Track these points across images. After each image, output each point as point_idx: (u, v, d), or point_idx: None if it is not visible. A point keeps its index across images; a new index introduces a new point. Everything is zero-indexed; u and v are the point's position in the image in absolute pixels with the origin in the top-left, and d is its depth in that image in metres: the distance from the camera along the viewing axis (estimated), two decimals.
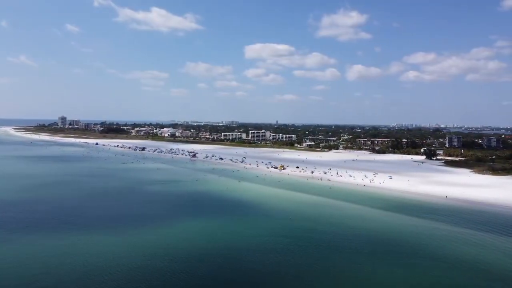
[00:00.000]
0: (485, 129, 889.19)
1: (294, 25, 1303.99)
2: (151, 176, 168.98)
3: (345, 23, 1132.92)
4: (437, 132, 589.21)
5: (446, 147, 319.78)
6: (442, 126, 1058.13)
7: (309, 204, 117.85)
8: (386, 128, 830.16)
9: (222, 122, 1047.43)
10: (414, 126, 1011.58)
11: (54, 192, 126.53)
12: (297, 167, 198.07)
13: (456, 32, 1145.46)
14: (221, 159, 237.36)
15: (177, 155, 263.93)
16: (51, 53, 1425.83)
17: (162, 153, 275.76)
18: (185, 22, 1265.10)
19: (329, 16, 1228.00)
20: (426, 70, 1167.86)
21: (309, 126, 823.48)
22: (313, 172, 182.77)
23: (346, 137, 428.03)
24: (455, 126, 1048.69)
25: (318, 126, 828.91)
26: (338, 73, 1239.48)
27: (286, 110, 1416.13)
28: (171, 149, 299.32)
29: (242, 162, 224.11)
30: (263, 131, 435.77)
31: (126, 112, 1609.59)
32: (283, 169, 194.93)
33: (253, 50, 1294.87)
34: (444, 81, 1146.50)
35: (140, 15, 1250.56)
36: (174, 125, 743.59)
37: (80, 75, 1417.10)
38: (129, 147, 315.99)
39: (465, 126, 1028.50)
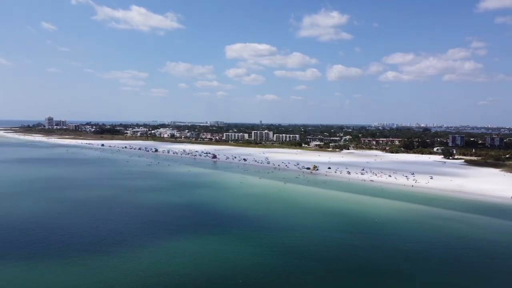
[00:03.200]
0: (466, 128, 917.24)
1: (275, 25, 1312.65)
2: (191, 179, 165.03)
3: (326, 23, 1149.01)
4: (427, 132, 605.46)
5: (450, 146, 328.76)
6: (422, 125, 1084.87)
7: (376, 205, 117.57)
8: (374, 128, 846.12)
9: (206, 122, 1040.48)
10: (395, 125, 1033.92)
11: (121, 199, 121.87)
12: (329, 168, 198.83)
13: (434, 33, 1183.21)
14: (245, 160, 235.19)
15: (194, 156, 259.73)
16: (26, 52, 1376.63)
17: (178, 155, 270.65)
18: (166, 21, 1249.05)
19: (310, 16, 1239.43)
20: (404, 70, 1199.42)
21: (295, 126, 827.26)
22: (349, 173, 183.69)
23: (346, 137, 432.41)
24: (435, 125, 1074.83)
25: (305, 126, 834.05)
26: (319, 73, 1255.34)
27: (267, 110, 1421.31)
28: (183, 150, 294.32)
29: (268, 163, 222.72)
30: (266, 131, 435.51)
31: (105, 112, 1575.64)
32: (316, 170, 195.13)
33: (234, 50, 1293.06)
34: (422, 81, 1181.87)
35: (120, 14, 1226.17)
36: (161, 125, 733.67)
37: (56, 74, 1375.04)
38: (139, 148, 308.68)
39: (445, 126, 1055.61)
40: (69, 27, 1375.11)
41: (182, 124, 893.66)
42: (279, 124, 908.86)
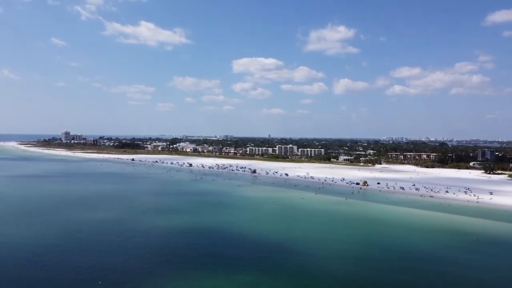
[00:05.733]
0: (479, 142, 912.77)
1: (282, 40, 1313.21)
2: (250, 195, 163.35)
3: (333, 37, 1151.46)
4: (445, 146, 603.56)
5: (481, 160, 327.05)
6: (432, 139, 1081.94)
7: (461, 223, 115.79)
8: (384, 142, 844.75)
9: (215, 136, 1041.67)
10: (404, 139, 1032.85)
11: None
12: (378, 183, 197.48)
13: (440, 47, 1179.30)
14: (286, 175, 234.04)
15: (232, 171, 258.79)
16: (35, 67, 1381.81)
17: (216, 169, 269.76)
18: (174, 36, 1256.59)
19: (317, 30, 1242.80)
20: (411, 84, 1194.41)
21: (306, 140, 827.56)
22: (403, 188, 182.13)
23: (369, 151, 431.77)
24: (444, 139, 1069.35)
25: (317, 140, 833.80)
26: (325, 87, 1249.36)
27: (273, 124, 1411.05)
28: (217, 164, 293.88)
29: (312, 178, 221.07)
30: (290, 145, 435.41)
31: (113, 126, 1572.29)
32: (367, 185, 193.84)
33: (241, 64, 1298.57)
34: (429, 95, 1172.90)
35: (129, 29, 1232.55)
36: (175, 140, 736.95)
37: (65, 89, 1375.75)
38: (171, 163, 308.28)
39: (455, 140, 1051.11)
40: (78, 42, 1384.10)
41: (193, 138, 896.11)
42: (290, 138, 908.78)
